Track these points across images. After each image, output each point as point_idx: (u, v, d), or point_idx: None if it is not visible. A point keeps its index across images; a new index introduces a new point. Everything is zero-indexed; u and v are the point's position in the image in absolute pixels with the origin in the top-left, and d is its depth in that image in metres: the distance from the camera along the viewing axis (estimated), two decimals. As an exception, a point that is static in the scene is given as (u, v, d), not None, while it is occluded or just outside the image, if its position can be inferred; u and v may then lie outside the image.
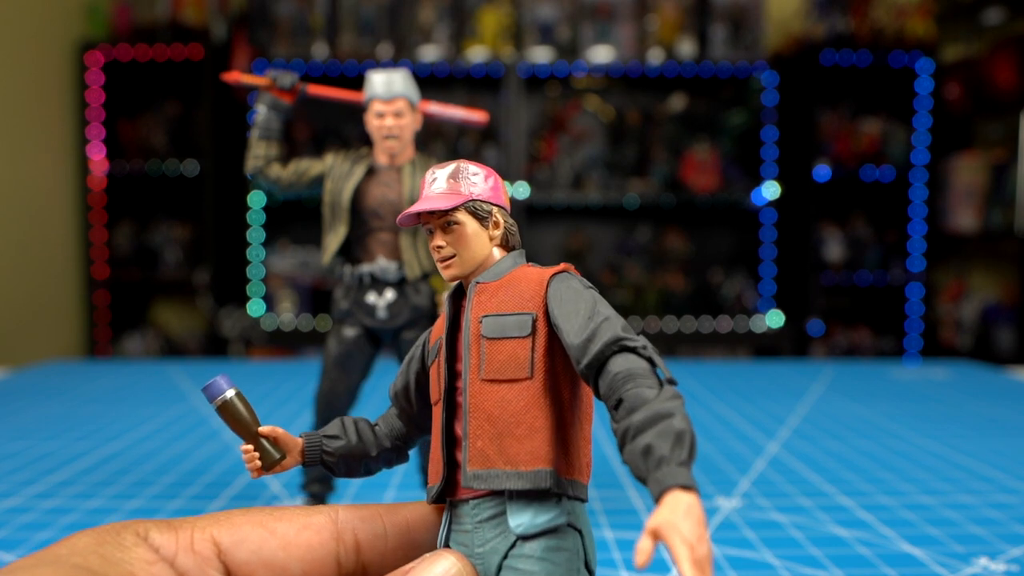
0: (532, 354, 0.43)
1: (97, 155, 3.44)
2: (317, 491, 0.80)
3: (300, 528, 0.45)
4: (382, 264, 0.76)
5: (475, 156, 3.41)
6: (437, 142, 3.45)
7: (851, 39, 3.42)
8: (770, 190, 3.38)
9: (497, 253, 0.48)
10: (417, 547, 0.46)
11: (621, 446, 0.39)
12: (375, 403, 1.40)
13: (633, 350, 0.41)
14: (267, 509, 0.46)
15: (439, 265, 0.48)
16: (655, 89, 3.59)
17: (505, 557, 0.42)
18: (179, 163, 3.48)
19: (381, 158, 0.77)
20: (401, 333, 0.77)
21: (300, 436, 0.52)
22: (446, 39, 3.38)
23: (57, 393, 1.47)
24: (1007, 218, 3.38)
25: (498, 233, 0.48)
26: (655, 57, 3.35)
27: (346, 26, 3.39)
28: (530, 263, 0.48)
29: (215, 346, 3.48)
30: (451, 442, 0.45)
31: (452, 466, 0.45)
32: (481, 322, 0.45)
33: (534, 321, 0.44)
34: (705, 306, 3.41)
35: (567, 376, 0.45)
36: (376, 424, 0.53)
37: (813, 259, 3.42)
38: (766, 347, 3.33)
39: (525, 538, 0.42)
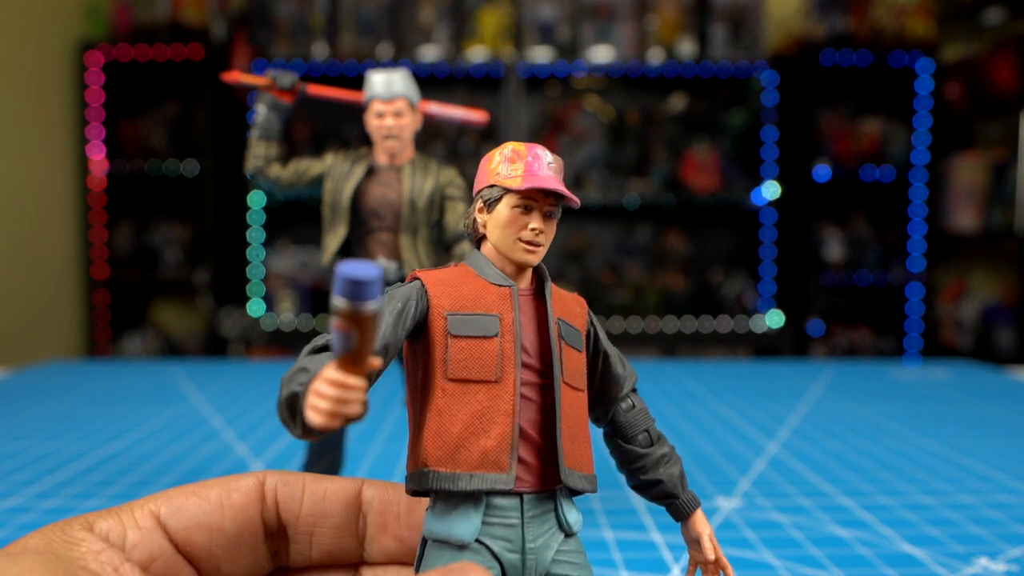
0: (585, 368, 0.47)
1: (97, 155, 3.44)
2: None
3: (230, 491, 0.48)
4: (382, 264, 0.76)
5: (475, 156, 3.42)
6: (437, 142, 3.45)
7: (851, 39, 3.42)
8: (770, 190, 3.38)
9: None
10: (326, 516, 0.48)
11: (653, 466, 0.48)
12: (375, 403, 1.39)
13: (636, 391, 0.50)
14: (199, 482, 0.49)
15: (526, 247, 0.45)
16: (655, 89, 3.59)
17: (553, 559, 0.43)
18: (179, 163, 3.48)
19: (381, 158, 0.77)
20: (401, 333, 0.77)
21: None
22: (446, 39, 3.38)
23: (57, 393, 1.47)
24: (1007, 218, 3.38)
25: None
26: (655, 57, 3.35)
27: (346, 26, 3.39)
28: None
29: (215, 346, 3.48)
30: (514, 435, 0.43)
31: (518, 460, 0.43)
32: (559, 324, 0.45)
33: (583, 339, 0.47)
34: (705, 306, 3.42)
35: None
36: None
37: (813, 259, 3.42)
38: (766, 347, 3.33)
39: (569, 535, 0.44)
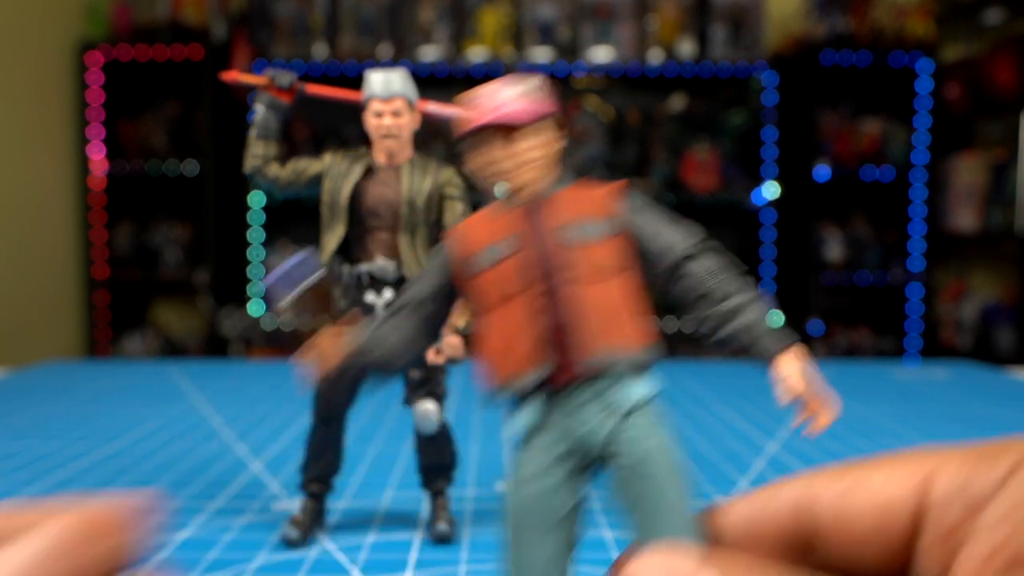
0: (615, 254, 0.48)
1: (97, 155, 3.44)
2: (316, 491, 0.80)
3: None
4: (380, 263, 0.76)
5: (475, 156, 3.42)
6: (437, 142, 3.45)
7: (851, 39, 3.42)
8: (770, 190, 3.38)
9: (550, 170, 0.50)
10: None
11: (720, 325, 0.47)
12: (375, 403, 1.39)
13: (708, 249, 0.49)
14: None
15: (525, 168, 0.49)
16: (655, 89, 3.59)
17: (612, 433, 0.44)
18: (179, 163, 3.49)
19: (379, 157, 0.77)
20: (400, 332, 0.77)
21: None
22: (446, 39, 3.38)
23: (57, 393, 1.47)
24: (1007, 218, 3.38)
25: (557, 148, 0.50)
26: (655, 57, 3.35)
27: (346, 26, 3.39)
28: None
29: (215, 346, 3.48)
30: (550, 331, 0.46)
31: (552, 353, 0.46)
32: (562, 229, 0.47)
33: (611, 226, 0.48)
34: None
35: (638, 271, 0.49)
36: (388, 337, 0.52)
37: (813, 259, 3.42)
38: (766, 347, 3.34)
39: (633, 411, 0.45)
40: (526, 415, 0.46)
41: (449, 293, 0.52)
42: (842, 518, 0.33)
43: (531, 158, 0.48)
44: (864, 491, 0.33)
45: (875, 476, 0.34)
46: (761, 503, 0.36)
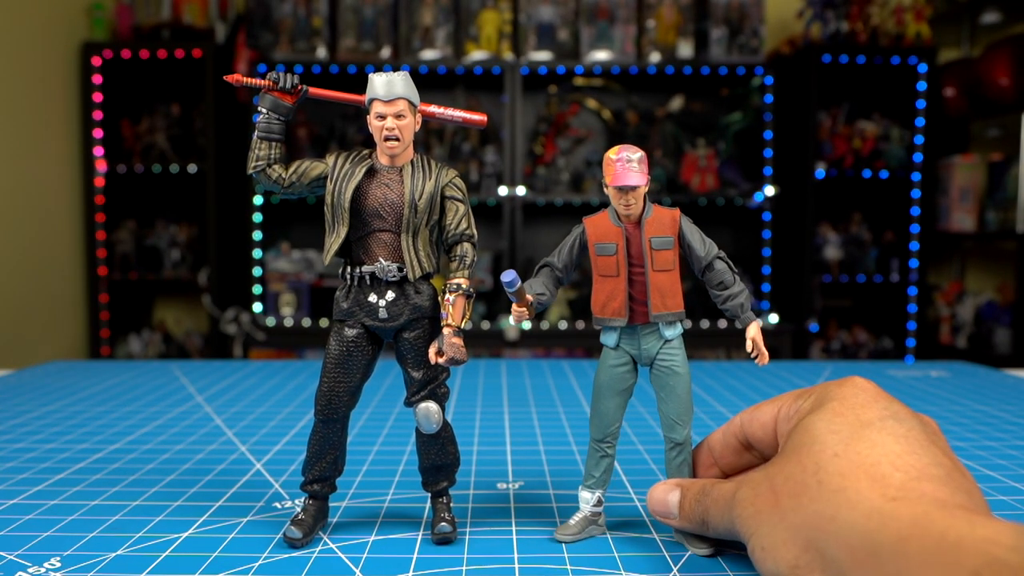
0: (674, 258, 0.75)
1: (100, 156, 3.45)
2: (318, 490, 0.80)
3: None
4: (383, 264, 0.77)
5: (475, 156, 3.42)
6: (437, 142, 3.46)
7: (849, 41, 3.43)
8: (768, 191, 3.39)
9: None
10: None
11: (724, 300, 0.77)
12: (376, 403, 1.40)
13: (723, 259, 0.76)
14: None
15: (634, 206, 0.74)
16: (654, 90, 3.60)
17: (658, 350, 0.76)
18: (181, 164, 3.49)
19: (382, 159, 0.78)
20: (401, 333, 0.78)
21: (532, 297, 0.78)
22: (446, 41, 3.39)
23: (58, 393, 1.47)
24: (1004, 218, 3.39)
25: (646, 191, 0.76)
26: (654, 58, 3.36)
27: (347, 28, 3.40)
28: (654, 203, 0.76)
29: (217, 346, 3.49)
30: (631, 298, 0.76)
31: (631, 310, 0.76)
32: (651, 240, 0.74)
33: (674, 241, 0.75)
34: (705, 306, 3.43)
35: (682, 268, 0.77)
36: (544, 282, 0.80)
37: (811, 259, 3.43)
38: (765, 347, 3.34)
39: (670, 341, 0.77)
40: (612, 335, 0.77)
41: (573, 263, 0.79)
42: (753, 430, 0.74)
43: (639, 200, 0.75)
44: (757, 417, 0.74)
45: (763, 408, 0.74)
46: (724, 430, 0.78)
